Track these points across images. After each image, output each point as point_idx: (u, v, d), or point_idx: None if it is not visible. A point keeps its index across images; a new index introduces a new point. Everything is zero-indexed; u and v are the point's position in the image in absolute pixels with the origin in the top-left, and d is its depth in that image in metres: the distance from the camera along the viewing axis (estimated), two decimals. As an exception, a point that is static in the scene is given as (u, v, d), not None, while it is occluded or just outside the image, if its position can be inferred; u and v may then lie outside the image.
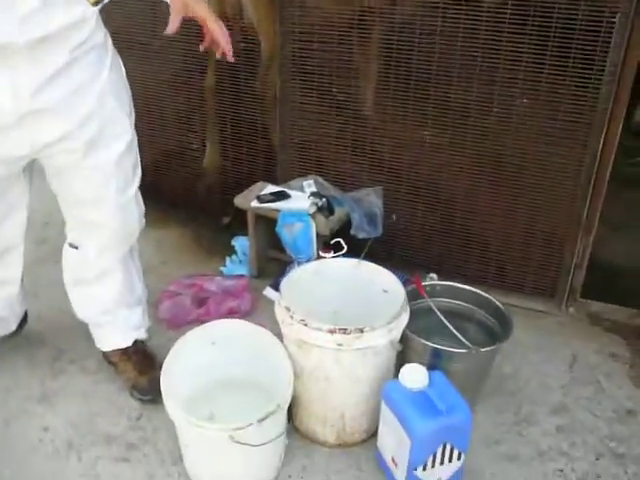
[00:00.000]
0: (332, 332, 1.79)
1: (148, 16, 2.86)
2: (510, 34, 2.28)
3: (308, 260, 2.39)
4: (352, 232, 2.51)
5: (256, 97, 2.83)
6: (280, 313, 1.91)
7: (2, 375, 2.28)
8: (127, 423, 2.12)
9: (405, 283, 2.08)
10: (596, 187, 2.44)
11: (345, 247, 2.17)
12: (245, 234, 2.79)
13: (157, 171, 3.15)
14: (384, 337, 1.83)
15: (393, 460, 1.85)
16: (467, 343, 1.95)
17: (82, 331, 2.33)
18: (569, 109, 2.31)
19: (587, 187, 2.43)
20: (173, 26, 1.73)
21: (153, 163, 3.08)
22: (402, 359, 1.98)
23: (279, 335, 1.98)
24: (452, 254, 2.70)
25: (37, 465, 1.97)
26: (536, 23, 2.23)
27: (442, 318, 1.98)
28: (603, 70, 2.22)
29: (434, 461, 1.75)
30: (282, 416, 1.84)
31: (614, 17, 2.14)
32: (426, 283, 2.18)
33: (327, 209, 2.52)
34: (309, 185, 2.64)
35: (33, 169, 2.03)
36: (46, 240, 3.00)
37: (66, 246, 2.11)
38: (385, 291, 2.02)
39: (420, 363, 1.87)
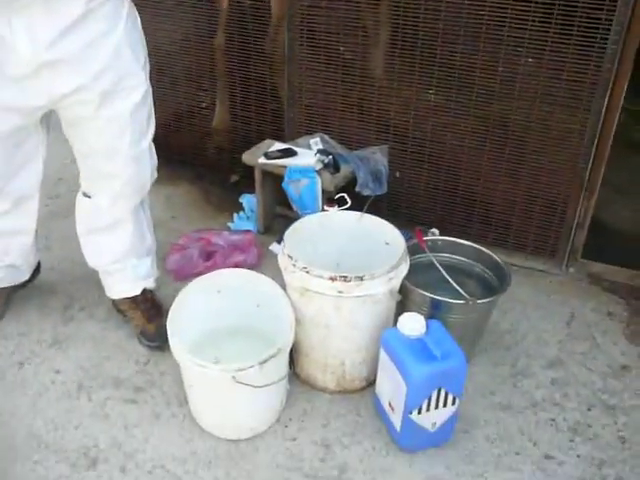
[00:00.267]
0: (333, 279, 1.85)
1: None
2: (517, -7, 2.30)
3: (313, 216, 2.44)
4: (357, 189, 2.55)
5: (265, 56, 2.86)
6: (283, 261, 1.97)
7: (16, 321, 2.37)
8: (135, 368, 2.20)
9: (408, 240, 2.13)
10: (599, 148, 2.46)
11: (349, 202, 2.21)
12: (253, 192, 2.84)
13: (167, 130, 3.19)
14: (383, 286, 1.88)
15: (390, 405, 1.91)
16: (465, 295, 2.00)
17: (93, 281, 2.41)
18: (574, 69, 2.33)
19: (590, 148, 2.46)
20: None
21: (163, 122, 3.12)
22: (402, 310, 2.03)
23: (283, 287, 2.04)
24: (456, 213, 2.75)
25: (50, 404, 2.06)
26: (543, -18, 2.25)
27: (441, 270, 2.04)
28: (609, 29, 2.23)
29: (429, 405, 1.82)
30: (283, 360, 1.91)
31: (622, -25, 2.15)
32: (427, 238, 2.23)
33: (333, 166, 2.57)
34: (316, 143, 2.68)
35: (50, 122, 2.09)
36: (59, 195, 3.08)
37: (80, 195, 2.17)
38: (387, 243, 2.08)
39: (419, 314, 1.93)
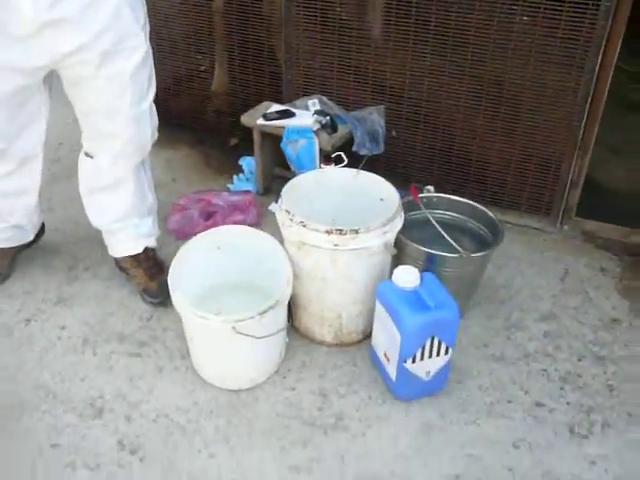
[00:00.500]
0: (329, 233, 1.90)
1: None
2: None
3: (311, 175, 2.48)
4: (354, 149, 2.59)
5: (263, 19, 2.88)
6: (280, 216, 2.01)
7: (21, 281, 2.42)
8: (138, 323, 2.27)
9: (403, 198, 2.17)
10: (593, 107, 2.49)
11: (346, 160, 2.25)
12: (252, 155, 2.88)
13: (167, 94, 3.22)
14: (378, 238, 1.93)
15: (385, 355, 1.97)
16: (459, 249, 2.05)
17: (96, 242, 2.47)
18: (568, 27, 2.35)
19: (584, 107, 2.48)
20: None
21: (163, 86, 3.13)
22: (397, 265, 2.07)
23: (281, 244, 2.09)
24: (452, 173, 2.79)
25: (56, 358, 2.13)
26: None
27: (436, 225, 2.08)
28: (603, -14, 2.25)
29: (423, 354, 1.88)
30: (282, 312, 1.97)
31: None
32: (423, 195, 2.27)
33: (330, 126, 2.60)
34: (313, 104, 2.71)
35: (52, 84, 2.13)
36: (60, 159, 3.12)
37: (82, 155, 2.21)
38: (382, 199, 2.12)
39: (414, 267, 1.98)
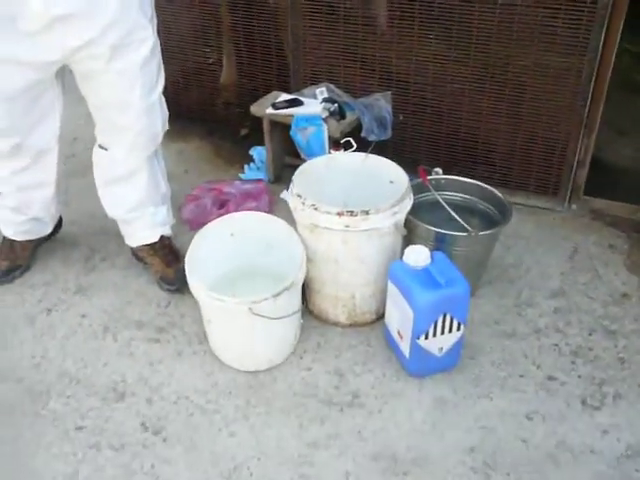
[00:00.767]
0: (340, 215, 1.94)
1: None
2: None
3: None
4: (362, 135, 2.63)
5: (269, 10, 2.92)
6: (293, 201, 2.06)
7: (41, 272, 2.49)
8: (156, 310, 2.32)
9: (412, 181, 2.21)
10: (597, 86, 2.51)
11: (354, 145, 2.29)
12: (262, 145, 2.93)
13: (176, 87, 3.27)
14: (388, 219, 1.98)
15: (399, 333, 2.02)
16: (468, 227, 2.08)
17: (112, 233, 2.53)
18: (570, 6, 2.37)
19: (588, 86, 2.51)
20: None
21: (172, 80, 3.19)
22: (407, 246, 2.12)
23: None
24: (459, 156, 2.82)
25: (78, 345, 2.19)
26: None
27: (444, 205, 2.12)
28: (604, -35, 2.27)
29: (435, 330, 1.92)
30: (296, 293, 2.02)
31: None
32: (431, 177, 2.31)
33: (338, 113, 2.65)
34: (321, 92, 2.75)
35: (65, 79, 2.18)
36: (75, 155, 3.17)
37: (96, 148, 2.26)
38: (391, 182, 2.16)
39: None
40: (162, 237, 2.39)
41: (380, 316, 2.21)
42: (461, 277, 1.92)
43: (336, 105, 2.65)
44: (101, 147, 2.24)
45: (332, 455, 1.83)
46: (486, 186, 2.33)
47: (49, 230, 2.52)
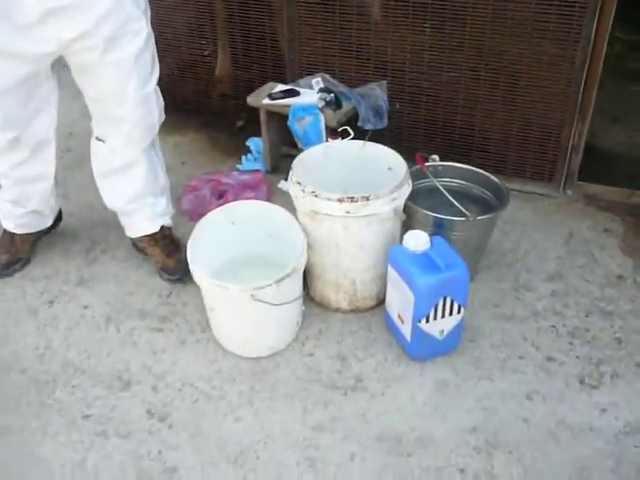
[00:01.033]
0: (341, 201, 1.97)
1: None
2: None
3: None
4: (359, 124, 2.66)
5: (263, 1, 2.93)
6: (293, 189, 2.08)
7: (42, 265, 2.50)
8: (158, 300, 2.34)
9: (411, 168, 2.24)
10: (590, 72, 2.54)
11: (352, 133, 2.32)
12: (258, 136, 2.94)
13: (172, 80, 3.28)
14: (388, 205, 2.00)
15: (400, 317, 2.04)
16: (466, 212, 2.11)
17: (111, 225, 2.55)
18: (564, -7, 2.41)
19: (581, 72, 2.54)
20: None
21: (167, 72, 3.20)
22: (406, 231, 2.14)
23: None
24: (455, 144, 2.85)
25: (82, 335, 2.21)
26: None
27: (443, 190, 2.14)
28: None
29: (436, 313, 1.95)
30: (298, 280, 2.04)
31: None
32: (428, 164, 2.33)
33: (335, 103, 2.67)
34: (317, 82, 2.77)
35: (60, 73, 2.19)
36: (71, 149, 3.18)
37: (93, 140, 2.27)
38: (389, 169, 2.18)
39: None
40: (162, 227, 2.41)
41: (380, 301, 2.24)
42: (460, 260, 1.95)
43: (332, 95, 2.68)
44: (98, 139, 2.25)
45: (337, 438, 1.85)
46: (483, 172, 2.36)
47: (49, 223, 2.53)
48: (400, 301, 2.01)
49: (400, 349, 2.10)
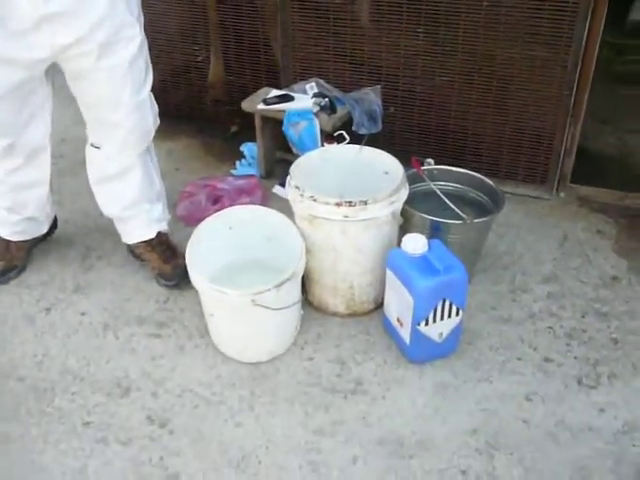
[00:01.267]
0: (339, 205, 1.98)
1: None
2: None
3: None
4: (354, 128, 2.67)
5: (256, 7, 2.94)
6: (291, 193, 2.09)
7: (38, 272, 2.49)
8: (155, 306, 2.33)
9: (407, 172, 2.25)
10: (582, 76, 2.57)
11: (347, 138, 2.33)
12: (252, 141, 2.95)
13: (165, 86, 3.28)
14: (386, 209, 2.01)
15: (399, 320, 2.05)
16: (463, 215, 2.13)
17: (106, 232, 2.55)
18: (555, -2, 2.43)
19: (573, 76, 2.57)
20: None
21: (160, 78, 3.18)
22: (404, 235, 2.15)
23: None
24: (448, 148, 2.87)
25: (80, 342, 2.20)
26: None
27: (439, 193, 2.16)
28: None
29: (435, 316, 1.96)
30: (297, 284, 2.04)
31: None
32: (424, 168, 2.35)
33: (329, 108, 2.68)
34: (312, 87, 2.78)
35: (54, 80, 2.19)
36: (64, 155, 3.16)
37: (88, 147, 2.27)
38: (386, 173, 2.19)
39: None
40: (159, 233, 2.41)
41: (378, 305, 2.24)
42: (458, 263, 1.96)
43: (327, 99, 2.69)
44: (93, 146, 2.24)
45: (338, 441, 1.86)
46: (478, 175, 2.37)
47: (45, 230, 2.52)
48: (399, 304, 2.02)
49: (399, 352, 2.11)
